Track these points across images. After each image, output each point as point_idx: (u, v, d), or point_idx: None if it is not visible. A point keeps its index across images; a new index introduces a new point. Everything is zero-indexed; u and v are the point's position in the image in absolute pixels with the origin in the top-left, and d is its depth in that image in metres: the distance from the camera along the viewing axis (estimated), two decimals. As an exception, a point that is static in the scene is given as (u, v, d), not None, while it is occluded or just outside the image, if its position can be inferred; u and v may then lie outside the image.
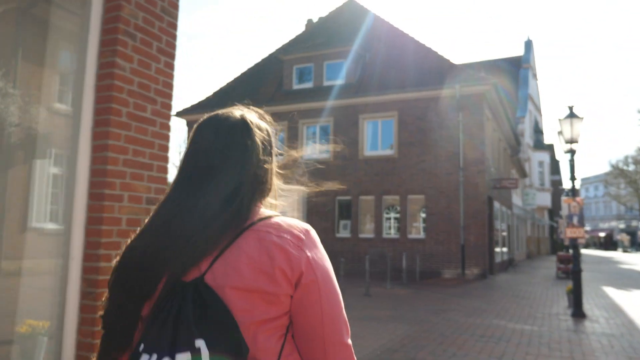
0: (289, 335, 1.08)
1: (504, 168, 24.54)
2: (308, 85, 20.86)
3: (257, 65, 23.03)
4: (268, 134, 1.21)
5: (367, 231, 19.10)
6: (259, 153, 1.15)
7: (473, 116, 17.65)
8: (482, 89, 17.58)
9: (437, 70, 18.49)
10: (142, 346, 0.98)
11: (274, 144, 1.23)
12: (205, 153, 1.12)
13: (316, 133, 20.31)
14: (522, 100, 38.09)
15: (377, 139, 19.32)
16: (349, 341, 1.11)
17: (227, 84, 22.77)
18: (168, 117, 3.32)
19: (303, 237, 1.09)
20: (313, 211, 19.68)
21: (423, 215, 18.21)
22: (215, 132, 1.14)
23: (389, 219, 18.83)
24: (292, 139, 20.25)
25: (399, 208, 18.50)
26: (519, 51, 47.14)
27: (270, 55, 22.70)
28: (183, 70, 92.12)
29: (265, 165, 1.16)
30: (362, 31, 21.47)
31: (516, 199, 31.77)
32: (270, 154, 1.20)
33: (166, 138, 3.30)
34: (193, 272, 1.04)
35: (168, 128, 3.31)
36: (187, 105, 22.21)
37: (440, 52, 19.41)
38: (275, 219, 1.11)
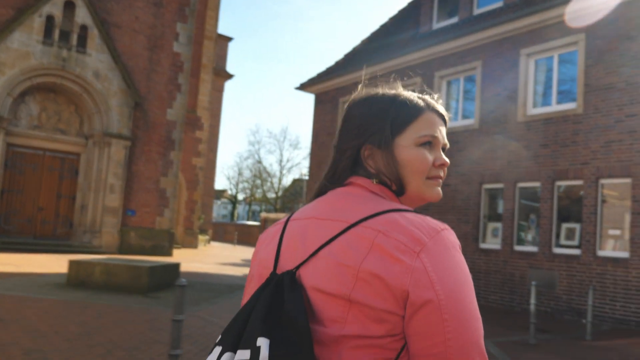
0: None
1: None
2: (453, 20, 14.07)
3: (398, 13, 17.09)
4: (377, 110, 0.96)
5: (528, 241, 11.36)
6: (351, 132, 0.97)
7: None
8: None
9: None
10: (219, 337, 0.88)
11: (402, 120, 0.95)
12: None
13: (459, 87, 13.37)
14: None
15: (550, 87, 11.47)
16: None
17: (362, 41, 17.39)
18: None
19: (426, 239, 0.82)
20: (448, 207, 12.80)
21: (628, 216, 9.75)
22: None
23: (566, 221, 10.78)
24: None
25: (583, 202, 10.36)
26: None
27: (417, -4, 16.49)
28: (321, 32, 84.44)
29: (362, 147, 0.96)
30: None
31: None
32: (381, 132, 0.95)
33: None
34: (292, 261, 0.89)
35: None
36: (314, 74, 17.63)
37: None
38: (394, 215, 0.85)
